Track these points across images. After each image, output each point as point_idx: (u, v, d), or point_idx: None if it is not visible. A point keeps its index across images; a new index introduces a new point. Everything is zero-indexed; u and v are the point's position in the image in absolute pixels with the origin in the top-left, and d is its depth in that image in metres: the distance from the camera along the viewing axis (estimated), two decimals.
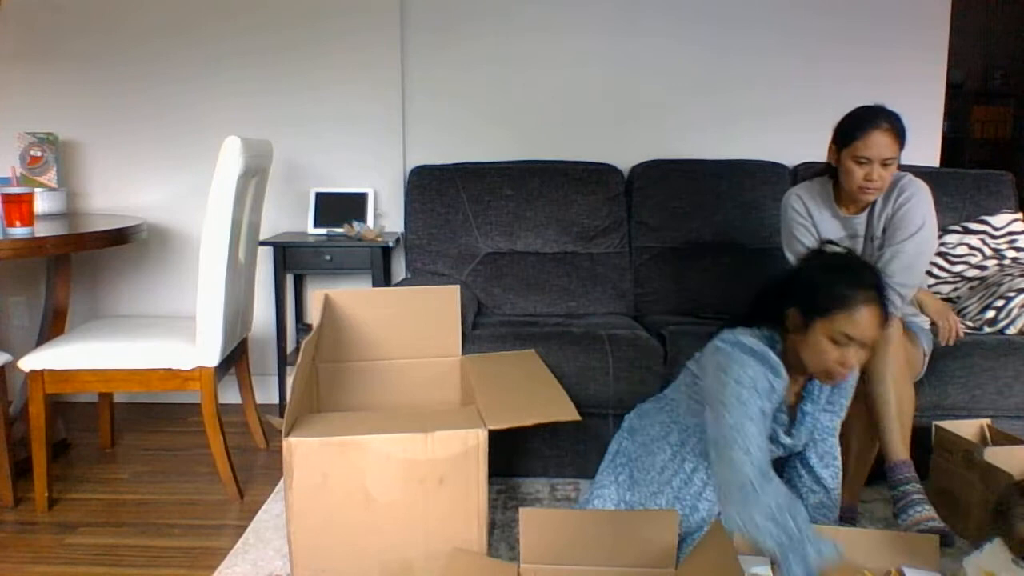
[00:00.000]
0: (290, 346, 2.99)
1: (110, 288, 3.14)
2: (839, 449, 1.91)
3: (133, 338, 2.27)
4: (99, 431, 2.69)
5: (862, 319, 1.58)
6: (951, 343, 2.17)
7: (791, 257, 2.28)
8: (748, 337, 1.66)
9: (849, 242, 2.23)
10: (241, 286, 2.43)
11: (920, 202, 2.11)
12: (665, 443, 1.83)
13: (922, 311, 2.20)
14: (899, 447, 1.87)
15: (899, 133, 2.05)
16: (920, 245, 2.08)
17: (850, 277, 1.64)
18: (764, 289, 1.76)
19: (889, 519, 2.07)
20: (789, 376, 1.67)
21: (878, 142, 2.02)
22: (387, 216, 3.11)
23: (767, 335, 1.70)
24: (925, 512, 1.80)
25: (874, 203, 2.18)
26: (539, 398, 1.92)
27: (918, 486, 1.84)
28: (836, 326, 1.59)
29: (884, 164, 2.05)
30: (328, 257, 2.85)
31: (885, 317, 1.63)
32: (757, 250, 2.81)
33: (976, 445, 2.02)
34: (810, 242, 2.24)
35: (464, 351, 2.26)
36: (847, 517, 2.03)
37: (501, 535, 2.03)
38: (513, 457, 2.35)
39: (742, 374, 1.59)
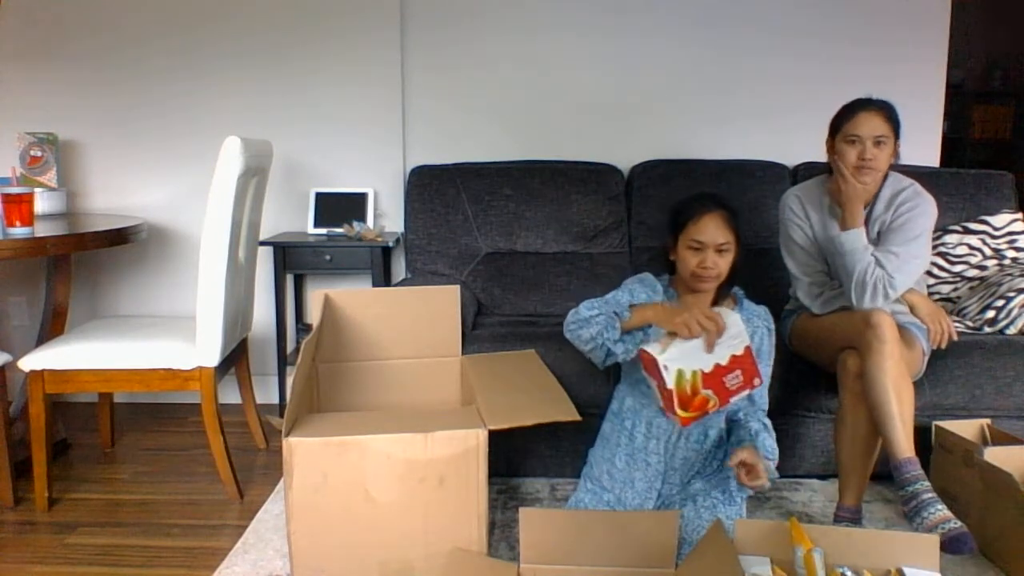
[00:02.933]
0: (290, 346, 2.99)
1: (110, 288, 3.14)
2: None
3: (133, 338, 2.27)
4: (99, 431, 2.69)
5: (705, 225, 1.97)
6: (943, 346, 2.14)
7: (787, 257, 2.28)
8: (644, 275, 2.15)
9: None
10: (241, 286, 2.43)
11: (923, 214, 2.11)
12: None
13: (913, 313, 2.19)
14: (903, 445, 1.86)
15: (892, 116, 2.08)
16: (915, 250, 2.08)
17: (694, 199, 2.05)
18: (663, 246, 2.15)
19: (889, 519, 2.08)
20: (685, 300, 2.07)
21: (868, 120, 2.07)
22: (387, 216, 3.11)
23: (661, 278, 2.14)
24: (941, 513, 1.77)
25: (873, 207, 2.17)
26: (539, 398, 1.91)
27: (927, 484, 1.82)
28: (688, 235, 1.99)
29: (876, 143, 2.06)
30: (328, 257, 2.85)
31: (730, 225, 1.98)
32: (757, 250, 2.81)
33: (976, 445, 2.02)
34: (805, 243, 2.24)
35: (464, 351, 2.26)
36: (851, 518, 2.03)
37: (501, 535, 2.03)
38: (513, 457, 2.35)
39: (624, 287, 2.11)
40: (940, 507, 1.79)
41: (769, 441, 1.91)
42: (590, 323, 2.00)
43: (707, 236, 1.96)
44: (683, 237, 2.01)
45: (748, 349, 1.78)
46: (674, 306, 1.97)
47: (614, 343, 1.98)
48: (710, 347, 1.77)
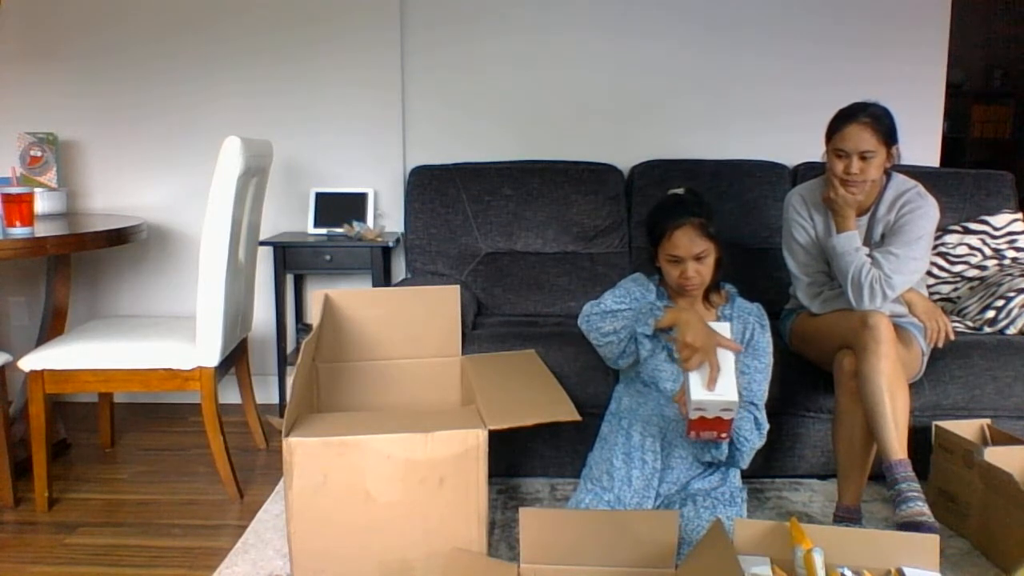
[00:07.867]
0: (290, 346, 2.99)
1: (110, 288, 3.14)
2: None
3: (133, 338, 2.27)
4: (99, 431, 2.69)
5: (678, 240, 1.97)
6: (940, 345, 2.16)
7: (788, 256, 2.28)
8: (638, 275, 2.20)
9: None
10: (241, 286, 2.43)
11: (924, 215, 2.11)
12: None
13: (911, 311, 2.19)
14: (895, 446, 1.87)
15: (881, 128, 2.05)
16: (915, 251, 2.08)
17: (663, 212, 2.04)
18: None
19: (889, 519, 2.07)
20: (677, 301, 2.10)
21: (854, 135, 2.06)
22: (387, 216, 3.11)
23: (652, 277, 2.18)
24: (915, 508, 1.79)
25: (876, 209, 2.17)
26: (539, 398, 1.92)
27: (914, 484, 1.84)
28: (665, 251, 2.01)
29: (863, 157, 2.06)
30: (328, 257, 2.85)
31: (704, 231, 1.97)
32: (757, 250, 2.81)
33: (976, 445, 2.02)
34: (807, 243, 2.24)
35: (464, 351, 2.26)
36: (850, 518, 2.03)
37: (501, 535, 2.03)
38: (513, 457, 2.35)
39: (620, 285, 2.15)
40: (919, 503, 1.81)
41: (747, 425, 1.93)
42: (616, 316, 2.03)
43: (682, 250, 1.98)
44: (661, 251, 2.02)
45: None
46: (702, 326, 1.92)
47: (645, 337, 2.01)
48: (711, 383, 1.78)
